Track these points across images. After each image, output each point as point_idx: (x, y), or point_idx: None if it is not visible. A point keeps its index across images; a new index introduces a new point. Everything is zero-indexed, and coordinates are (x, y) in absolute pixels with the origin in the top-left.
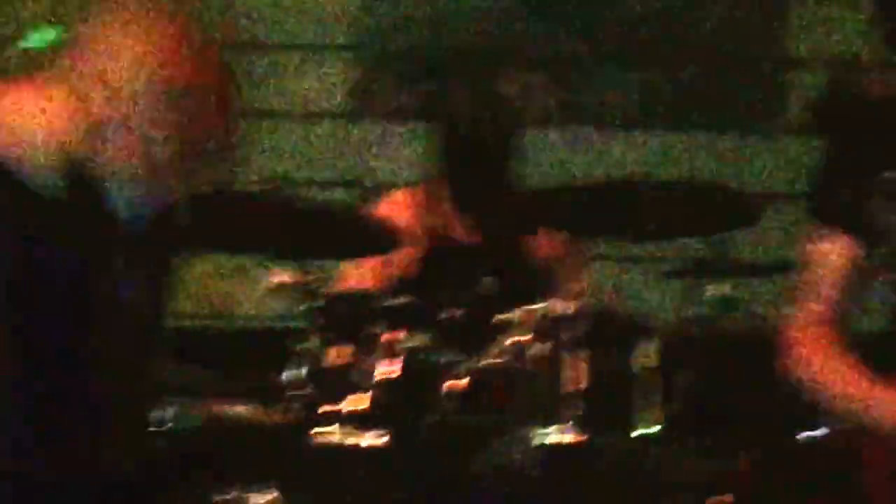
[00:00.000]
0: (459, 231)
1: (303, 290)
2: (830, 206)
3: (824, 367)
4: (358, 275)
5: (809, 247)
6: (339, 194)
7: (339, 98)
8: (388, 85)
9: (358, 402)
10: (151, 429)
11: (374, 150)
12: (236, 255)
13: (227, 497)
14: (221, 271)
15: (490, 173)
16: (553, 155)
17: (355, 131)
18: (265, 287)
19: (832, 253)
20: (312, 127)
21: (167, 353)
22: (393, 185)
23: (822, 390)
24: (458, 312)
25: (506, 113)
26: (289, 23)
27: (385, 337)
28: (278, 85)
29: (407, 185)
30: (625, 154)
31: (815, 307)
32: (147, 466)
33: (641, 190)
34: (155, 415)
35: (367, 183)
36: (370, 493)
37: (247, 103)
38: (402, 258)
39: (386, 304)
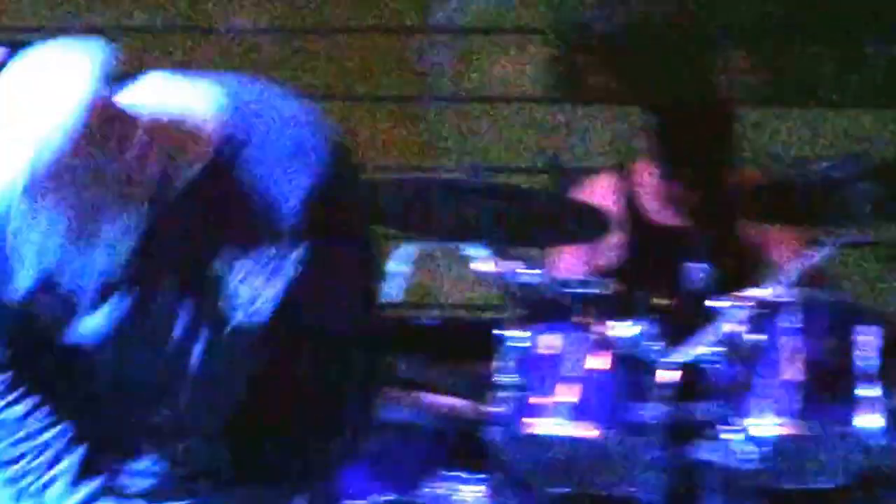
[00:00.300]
0: (669, 215)
1: (508, 279)
2: None
3: None
4: (567, 262)
5: None
6: (541, 180)
7: (538, 81)
8: (589, 66)
9: (567, 393)
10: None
11: (575, 133)
12: (441, 243)
13: (437, 489)
14: (425, 260)
15: (707, 155)
16: (762, 134)
17: (555, 115)
18: (471, 276)
19: None
20: (512, 111)
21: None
22: (595, 170)
23: None
24: (669, 300)
25: (722, 92)
26: (486, 6)
27: (595, 326)
28: (477, 69)
29: (610, 168)
30: (835, 132)
31: None
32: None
33: (857, 171)
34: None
35: (569, 167)
36: (580, 485)
37: (445, 89)
38: (610, 244)
39: (595, 292)
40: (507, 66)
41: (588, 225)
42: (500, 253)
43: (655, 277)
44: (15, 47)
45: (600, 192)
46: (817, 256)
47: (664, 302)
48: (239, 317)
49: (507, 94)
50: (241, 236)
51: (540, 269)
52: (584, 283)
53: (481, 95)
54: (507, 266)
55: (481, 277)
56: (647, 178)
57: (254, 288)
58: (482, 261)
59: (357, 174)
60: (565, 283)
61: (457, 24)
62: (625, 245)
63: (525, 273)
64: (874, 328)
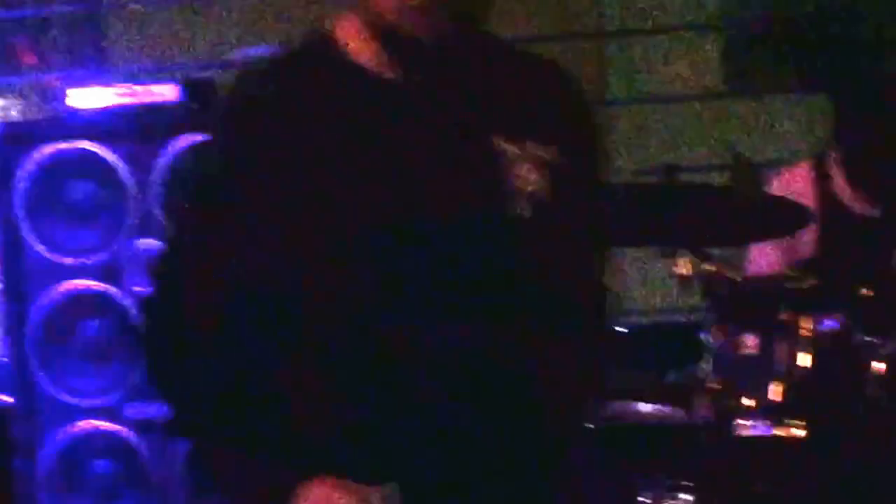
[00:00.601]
0: (860, 205)
1: (707, 280)
2: None
3: None
4: (766, 259)
5: None
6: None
7: (715, 77)
8: (764, 59)
9: (773, 392)
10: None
11: (755, 127)
12: (639, 248)
13: (647, 500)
14: (624, 266)
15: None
16: None
17: (736, 110)
18: (670, 279)
19: None
20: (692, 109)
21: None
22: (779, 162)
23: None
24: (870, 291)
25: None
26: (657, 7)
27: (799, 322)
28: (653, 70)
29: (794, 161)
30: None
31: None
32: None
33: None
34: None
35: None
36: (791, 487)
37: (626, 92)
38: (809, 237)
39: (794, 287)
40: (684, 65)
41: (787, 219)
42: (699, 254)
43: (857, 267)
44: None
45: (792, 185)
46: None
47: (865, 292)
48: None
49: (686, 93)
50: None
51: (739, 268)
52: (785, 279)
53: (658, 94)
54: (705, 267)
55: (682, 281)
56: (840, 168)
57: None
58: (681, 264)
59: None
60: (766, 281)
61: (633, 27)
62: (824, 237)
63: (725, 273)
64: None
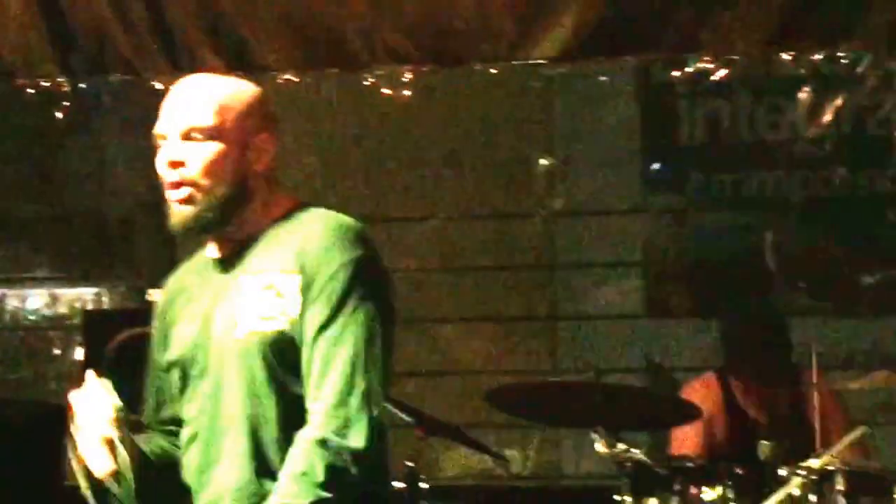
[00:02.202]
0: (749, 408)
1: (618, 456)
2: None
3: None
4: (684, 441)
5: None
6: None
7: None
8: (678, 292)
9: None
10: None
11: (671, 343)
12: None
13: None
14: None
15: (775, 361)
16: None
17: (651, 327)
18: (594, 450)
19: None
20: (618, 327)
21: None
22: (690, 371)
23: None
24: (743, 471)
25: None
26: (593, 246)
27: (687, 491)
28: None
29: (709, 372)
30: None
31: None
32: None
33: None
34: None
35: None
36: None
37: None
38: (708, 430)
39: (689, 464)
40: (611, 293)
41: (680, 414)
42: (613, 436)
43: (741, 451)
44: None
45: (704, 390)
46: (858, 433)
47: (742, 471)
48: None
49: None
50: None
51: (643, 448)
52: (679, 458)
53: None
54: (618, 447)
55: (601, 455)
56: (733, 379)
57: None
58: (600, 442)
59: None
60: (666, 458)
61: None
62: (720, 428)
63: (633, 452)
64: None
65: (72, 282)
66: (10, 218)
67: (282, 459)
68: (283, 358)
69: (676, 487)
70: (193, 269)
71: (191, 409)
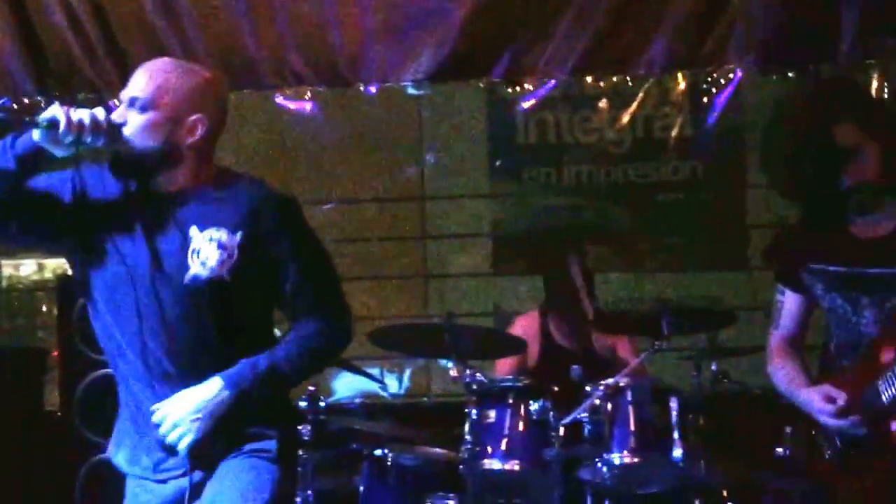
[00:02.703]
0: (561, 339)
1: (467, 379)
2: (784, 273)
3: (785, 370)
4: (506, 367)
5: (777, 297)
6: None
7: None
8: (516, 255)
9: (503, 444)
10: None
11: (512, 294)
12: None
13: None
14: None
15: (575, 305)
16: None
17: (497, 282)
18: (448, 375)
19: (788, 301)
20: (472, 282)
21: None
22: (519, 312)
23: (785, 386)
24: (559, 388)
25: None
26: (453, 222)
27: (518, 404)
28: (447, 259)
29: (530, 312)
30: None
31: (781, 333)
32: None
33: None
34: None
35: (509, 312)
36: (515, 499)
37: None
38: (527, 357)
39: (518, 384)
40: (470, 256)
41: (512, 347)
42: (463, 364)
43: (556, 375)
44: None
45: (527, 325)
46: (643, 357)
47: (558, 388)
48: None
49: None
50: None
51: (486, 372)
52: (512, 379)
53: (453, 273)
54: (466, 371)
55: (453, 377)
56: (550, 317)
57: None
58: (453, 369)
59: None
60: (502, 380)
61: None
62: (539, 355)
63: (477, 375)
64: (675, 397)
65: (53, 253)
66: None
67: None
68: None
69: (510, 400)
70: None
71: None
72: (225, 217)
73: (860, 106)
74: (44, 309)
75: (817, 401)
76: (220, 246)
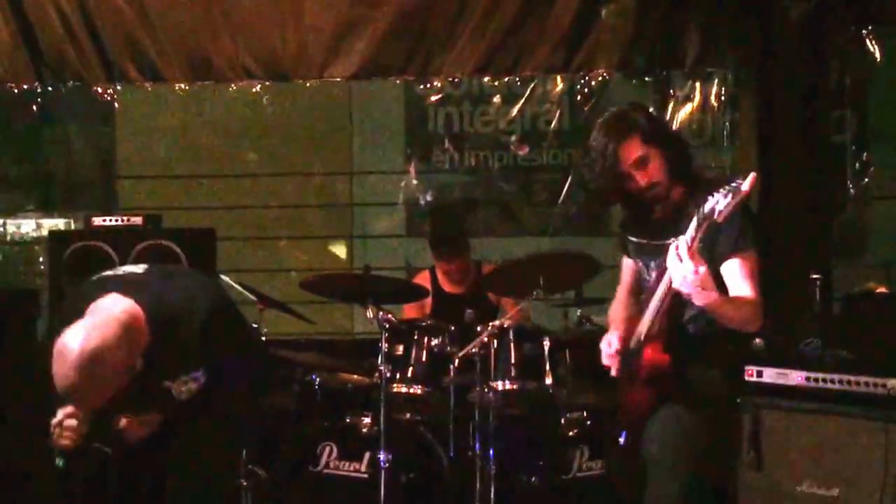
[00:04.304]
0: (454, 288)
1: (381, 318)
2: (622, 243)
3: (613, 313)
4: (410, 311)
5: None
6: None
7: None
8: (424, 220)
9: (409, 372)
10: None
11: (421, 252)
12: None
13: (347, 420)
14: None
15: (464, 261)
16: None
17: (409, 243)
18: (366, 317)
19: (624, 264)
20: (389, 242)
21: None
22: (422, 267)
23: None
24: (454, 326)
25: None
26: (375, 192)
27: (423, 339)
28: (369, 222)
29: (425, 267)
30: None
31: (622, 286)
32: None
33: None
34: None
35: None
36: (419, 415)
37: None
38: (428, 302)
39: (423, 324)
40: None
41: (416, 293)
42: (378, 307)
43: (452, 317)
44: None
45: (422, 279)
46: (523, 305)
47: (452, 326)
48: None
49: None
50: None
51: (396, 314)
52: (418, 320)
53: (373, 234)
54: (380, 314)
55: (370, 319)
56: (438, 271)
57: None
58: (371, 310)
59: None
60: (409, 321)
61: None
62: (433, 303)
63: (390, 317)
64: (547, 337)
65: (49, 214)
66: (10, 175)
67: None
68: None
69: (415, 337)
70: None
71: None
72: None
73: (640, 124)
74: (40, 259)
75: (604, 339)
76: None
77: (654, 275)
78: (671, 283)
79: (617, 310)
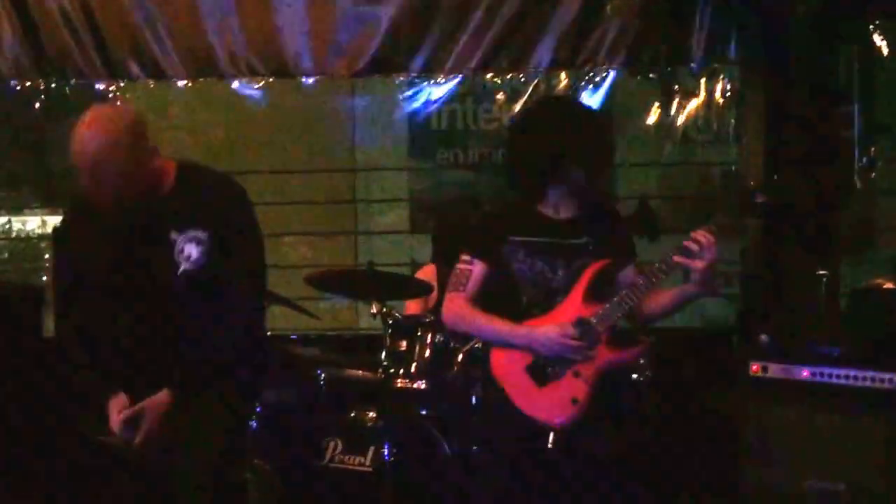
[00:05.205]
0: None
1: (384, 314)
2: (477, 246)
3: (487, 318)
4: (413, 307)
5: (461, 267)
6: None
7: (404, 225)
8: (428, 217)
9: (411, 367)
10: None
11: (425, 248)
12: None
13: (352, 414)
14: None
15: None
16: None
17: (413, 239)
18: (370, 313)
19: (476, 269)
20: (393, 238)
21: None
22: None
23: (493, 328)
24: None
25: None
26: (379, 189)
27: (426, 334)
28: (373, 219)
29: (426, 264)
30: None
31: (467, 295)
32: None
33: None
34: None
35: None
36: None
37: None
38: (429, 299)
39: (424, 320)
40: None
41: (420, 289)
42: (381, 303)
43: None
44: None
45: (424, 275)
46: None
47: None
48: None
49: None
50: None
51: (400, 311)
52: (420, 316)
53: (378, 231)
54: (384, 310)
55: (373, 315)
56: (440, 266)
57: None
58: (374, 307)
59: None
60: (412, 317)
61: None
62: (437, 298)
63: (394, 313)
64: None
65: (53, 211)
66: (14, 173)
67: None
68: None
69: (418, 333)
70: None
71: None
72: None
73: (564, 119)
74: (45, 256)
75: (552, 329)
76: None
77: (562, 275)
78: (656, 279)
79: (493, 319)
